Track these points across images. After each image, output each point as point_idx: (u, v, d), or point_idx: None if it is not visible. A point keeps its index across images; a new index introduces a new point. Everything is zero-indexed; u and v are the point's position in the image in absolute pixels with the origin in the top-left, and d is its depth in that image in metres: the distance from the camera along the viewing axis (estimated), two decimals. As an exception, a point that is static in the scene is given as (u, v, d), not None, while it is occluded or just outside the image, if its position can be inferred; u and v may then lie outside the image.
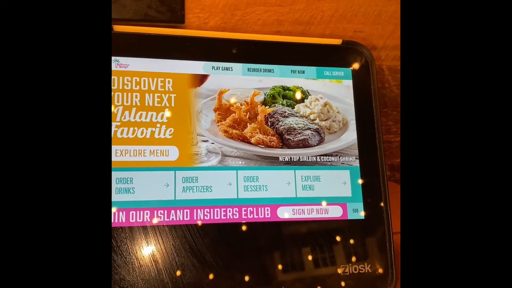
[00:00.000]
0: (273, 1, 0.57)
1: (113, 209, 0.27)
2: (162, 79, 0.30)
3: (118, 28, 0.30)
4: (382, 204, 0.31)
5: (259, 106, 0.31)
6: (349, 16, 0.62)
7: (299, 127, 0.31)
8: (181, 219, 0.28)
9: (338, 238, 0.30)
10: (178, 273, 0.27)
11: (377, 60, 0.66)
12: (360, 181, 0.31)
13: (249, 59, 0.31)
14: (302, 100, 0.32)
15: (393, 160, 0.68)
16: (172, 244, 0.27)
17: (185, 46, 0.31)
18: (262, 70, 0.32)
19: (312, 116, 0.32)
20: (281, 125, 0.31)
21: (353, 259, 0.30)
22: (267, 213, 0.29)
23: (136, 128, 0.29)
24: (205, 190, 0.29)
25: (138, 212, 0.27)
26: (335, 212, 0.30)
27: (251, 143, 0.31)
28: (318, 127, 0.32)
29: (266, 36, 0.32)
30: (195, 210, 0.28)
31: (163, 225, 0.28)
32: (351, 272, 0.30)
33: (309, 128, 0.32)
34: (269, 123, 0.31)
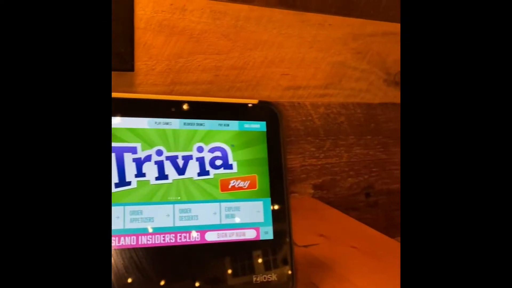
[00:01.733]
0: (211, 50, 0.66)
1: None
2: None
3: (79, 93, 0.37)
4: (286, 227, 0.41)
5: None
6: (277, 62, 0.72)
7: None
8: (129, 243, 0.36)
9: (252, 255, 0.40)
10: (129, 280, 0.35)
11: (301, 98, 0.77)
12: (270, 210, 0.41)
13: (185, 116, 0.40)
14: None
15: (316, 180, 0.80)
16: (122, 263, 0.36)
17: (133, 106, 0.39)
18: (195, 124, 0.41)
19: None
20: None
21: (264, 270, 0.39)
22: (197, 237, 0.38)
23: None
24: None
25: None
26: (250, 234, 0.40)
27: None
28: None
29: (199, 98, 0.41)
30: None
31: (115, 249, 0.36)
32: (261, 281, 0.39)
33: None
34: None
